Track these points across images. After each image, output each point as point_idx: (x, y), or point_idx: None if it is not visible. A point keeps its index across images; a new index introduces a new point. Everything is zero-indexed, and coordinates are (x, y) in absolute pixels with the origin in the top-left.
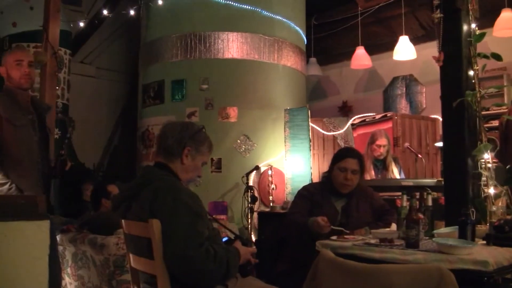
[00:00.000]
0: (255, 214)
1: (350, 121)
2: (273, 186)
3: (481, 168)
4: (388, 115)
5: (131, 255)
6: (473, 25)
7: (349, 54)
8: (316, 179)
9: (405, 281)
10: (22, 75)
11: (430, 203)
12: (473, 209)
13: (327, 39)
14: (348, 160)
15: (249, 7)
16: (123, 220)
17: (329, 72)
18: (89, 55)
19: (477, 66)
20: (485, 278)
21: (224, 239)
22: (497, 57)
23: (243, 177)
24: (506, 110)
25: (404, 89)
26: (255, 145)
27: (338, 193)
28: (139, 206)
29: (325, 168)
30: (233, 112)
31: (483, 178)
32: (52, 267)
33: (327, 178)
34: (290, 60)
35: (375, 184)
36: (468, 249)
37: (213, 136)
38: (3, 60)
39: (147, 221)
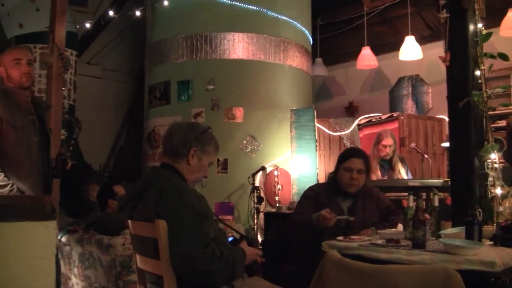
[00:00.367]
0: (261, 215)
1: (356, 122)
2: (279, 186)
3: (487, 168)
4: (394, 115)
5: (137, 256)
6: (480, 25)
7: (355, 54)
8: (322, 180)
9: (411, 282)
10: (22, 74)
11: (436, 203)
12: (479, 210)
13: (332, 39)
14: (353, 160)
15: (255, 8)
16: (129, 221)
17: (335, 72)
18: (95, 56)
19: (483, 66)
20: (492, 279)
21: (229, 239)
22: (504, 57)
23: (249, 177)
24: None
25: (410, 89)
26: (261, 145)
27: (344, 194)
28: (145, 206)
29: (331, 168)
30: (239, 112)
31: (490, 179)
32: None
33: (333, 178)
34: (296, 60)
35: (381, 184)
36: (475, 249)
37: (219, 136)
38: (0, 60)
39: (153, 222)
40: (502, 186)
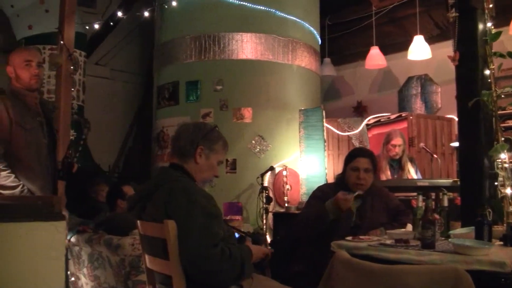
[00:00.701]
0: (270, 215)
1: (365, 121)
2: (288, 186)
3: (497, 168)
4: (403, 115)
5: (146, 256)
6: (489, 24)
7: (363, 54)
8: (331, 180)
9: (420, 282)
10: (32, 75)
11: (446, 203)
12: (489, 210)
13: (341, 39)
14: (359, 160)
15: (263, 8)
16: (138, 221)
17: (344, 72)
18: (104, 56)
19: (493, 65)
20: (502, 280)
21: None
22: None
23: (258, 177)
24: None
25: (419, 89)
26: (270, 145)
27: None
28: (154, 207)
29: (340, 168)
30: (247, 112)
31: (500, 179)
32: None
33: (341, 179)
34: (304, 60)
35: (390, 184)
36: (485, 250)
37: (228, 137)
38: (10, 59)
39: (161, 222)
40: None
